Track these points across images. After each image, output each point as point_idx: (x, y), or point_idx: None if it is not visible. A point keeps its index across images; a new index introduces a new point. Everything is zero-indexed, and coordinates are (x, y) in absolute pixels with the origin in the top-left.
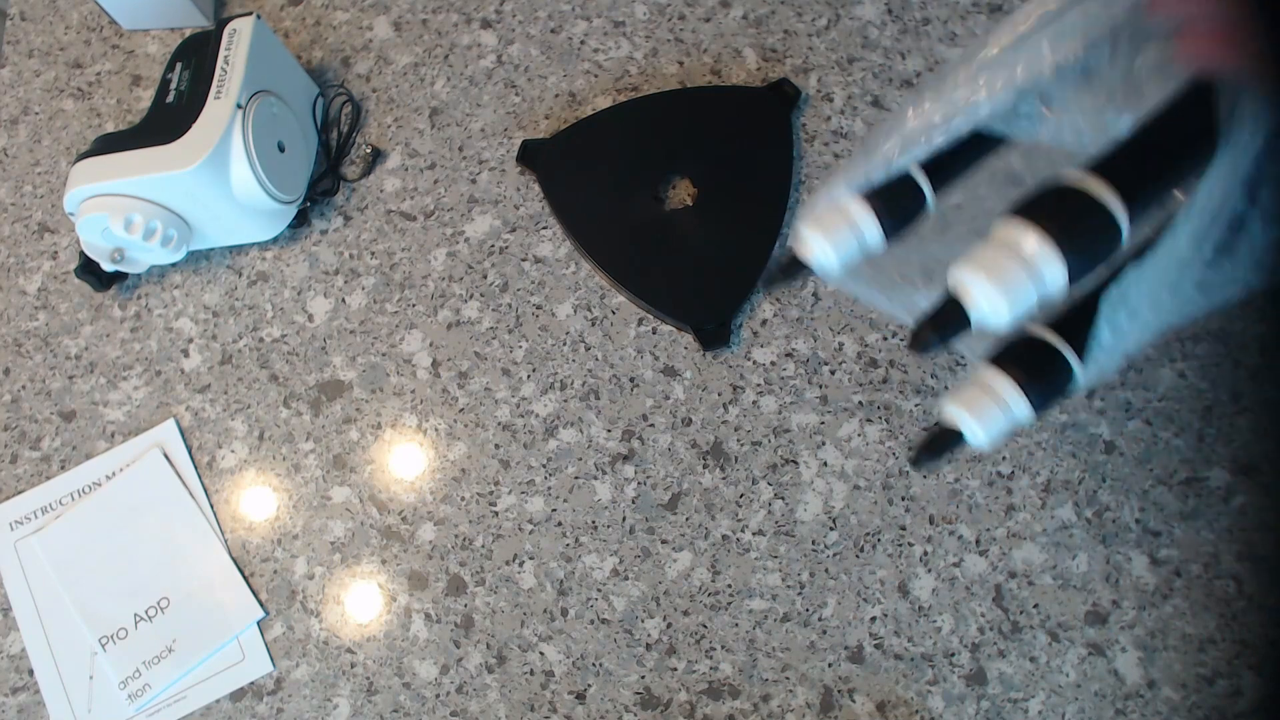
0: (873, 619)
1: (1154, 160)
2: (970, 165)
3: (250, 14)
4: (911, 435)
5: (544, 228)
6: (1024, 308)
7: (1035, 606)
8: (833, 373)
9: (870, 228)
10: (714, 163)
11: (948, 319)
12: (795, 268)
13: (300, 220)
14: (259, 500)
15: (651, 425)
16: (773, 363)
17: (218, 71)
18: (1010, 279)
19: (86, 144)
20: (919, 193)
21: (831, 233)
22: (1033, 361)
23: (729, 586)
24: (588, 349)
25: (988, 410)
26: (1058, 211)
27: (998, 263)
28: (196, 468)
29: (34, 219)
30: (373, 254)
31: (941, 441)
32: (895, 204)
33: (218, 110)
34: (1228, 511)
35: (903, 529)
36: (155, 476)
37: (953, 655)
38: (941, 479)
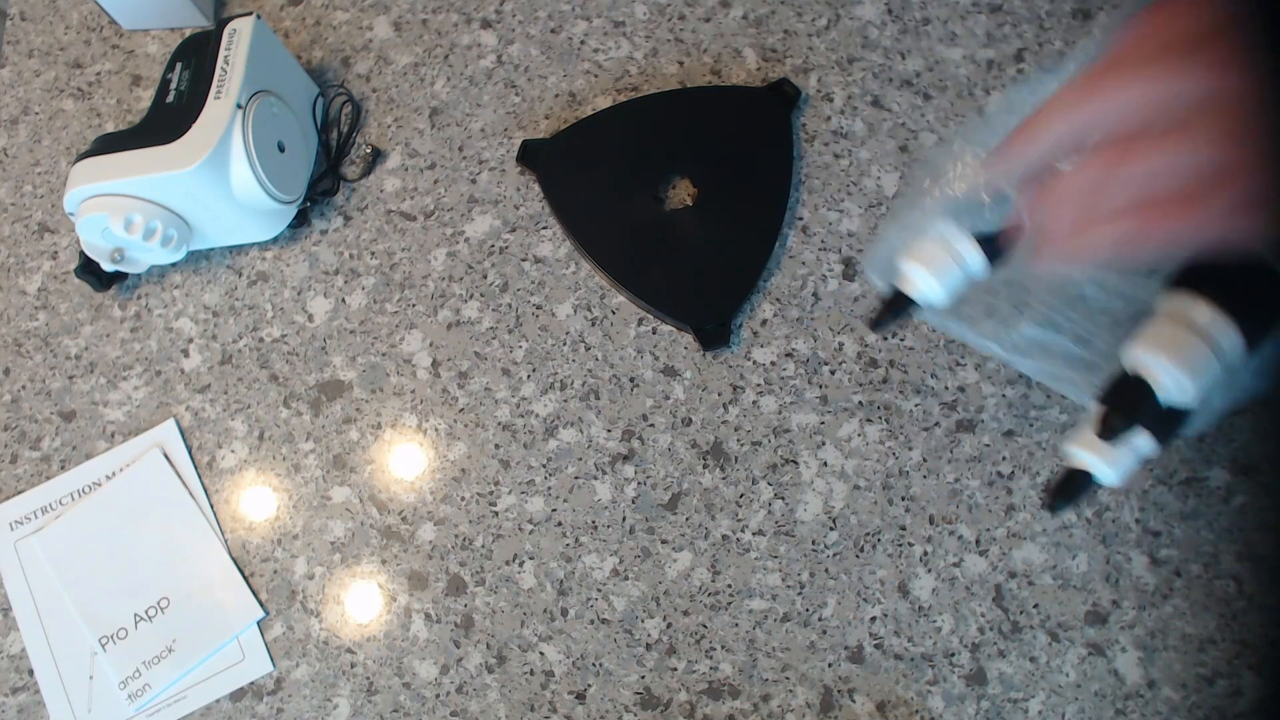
0: (873, 619)
1: None
2: None
3: (250, 14)
4: (911, 435)
5: (544, 228)
6: (1208, 381)
7: (1035, 606)
8: (833, 373)
9: (974, 256)
10: (714, 163)
11: (1134, 401)
12: (902, 304)
13: (300, 220)
14: (259, 500)
15: (651, 425)
16: (773, 363)
17: (218, 71)
18: (1191, 355)
19: (86, 144)
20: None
21: (935, 266)
22: (1149, 399)
23: (729, 586)
24: (588, 349)
25: (1115, 449)
26: (1224, 279)
27: (1175, 340)
28: (196, 468)
29: (34, 219)
30: (373, 254)
31: (1073, 484)
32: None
33: (218, 110)
34: (1228, 511)
35: (903, 529)
36: (155, 476)
37: (953, 655)
38: (941, 479)
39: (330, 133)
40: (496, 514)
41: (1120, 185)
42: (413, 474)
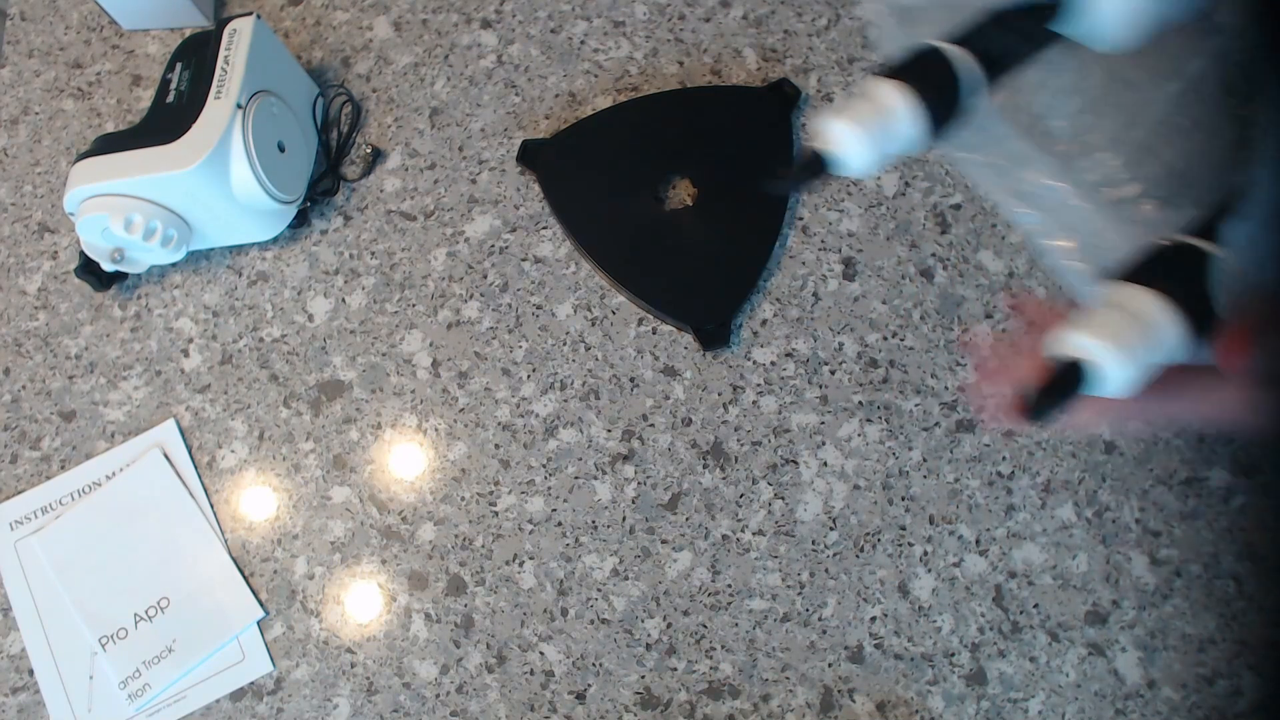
0: (873, 619)
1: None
2: (1026, 52)
3: (250, 14)
4: (911, 435)
5: (544, 228)
6: (1149, 371)
7: (1035, 606)
8: (833, 373)
9: (905, 114)
10: (714, 163)
11: (1066, 385)
12: (818, 164)
13: (300, 220)
14: (259, 500)
15: (651, 425)
16: (773, 363)
17: (218, 71)
18: (1135, 344)
19: (86, 144)
20: (958, 77)
21: (860, 120)
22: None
23: (729, 586)
24: (588, 349)
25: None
26: (1174, 275)
27: (1121, 328)
28: (196, 468)
29: (34, 219)
30: (373, 254)
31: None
32: (937, 89)
33: (218, 110)
34: (1228, 511)
35: (903, 529)
36: (155, 476)
37: (953, 655)
38: (941, 479)
39: (330, 133)
40: (496, 514)
41: None
42: (413, 474)
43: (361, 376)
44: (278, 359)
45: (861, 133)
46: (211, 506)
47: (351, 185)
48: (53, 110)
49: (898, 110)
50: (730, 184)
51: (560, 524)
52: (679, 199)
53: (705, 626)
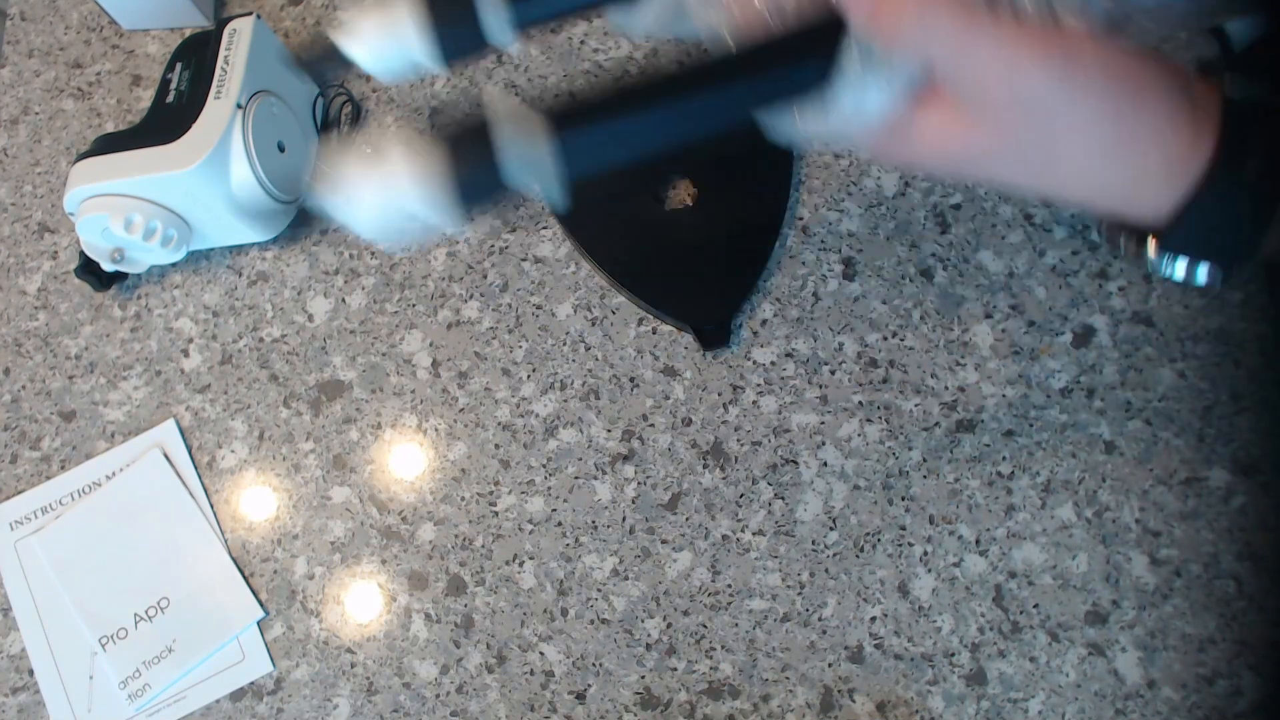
0: (873, 619)
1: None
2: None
3: (250, 14)
4: (911, 435)
5: (544, 228)
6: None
7: (1035, 606)
8: (833, 373)
9: (407, 28)
10: (714, 163)
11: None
12: (332, 51)
13: (300, 220)
14: (259, 500)
15: (651, 425)
16: (773, 363)
17: (218, 71)
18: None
19: (86, 144)
20: (475, 5)
21: (371, 23)
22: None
23: (729, 586)
24: (588, 349)
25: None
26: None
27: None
28: (196, 468)
29: (34, 219)
30: (373, 254)
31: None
32: (447, 12)
33: (218, 110)
34: (1228, 511)
35: (903, 529)
36: (155, 476)
37: (953, 655)
38: (941, 479)
39: (330, 133)
40: (496, 514)
41: None
42: (413, 474)
43: (361, 376)
44: (278, 359)
45: (368, 35)
46: (211, 506)
47: None
48: (53, 110)
49: (400, 24)
50: (730, 184)
51: (560, 524)
52: (679, 199)
53: (705, 626)
